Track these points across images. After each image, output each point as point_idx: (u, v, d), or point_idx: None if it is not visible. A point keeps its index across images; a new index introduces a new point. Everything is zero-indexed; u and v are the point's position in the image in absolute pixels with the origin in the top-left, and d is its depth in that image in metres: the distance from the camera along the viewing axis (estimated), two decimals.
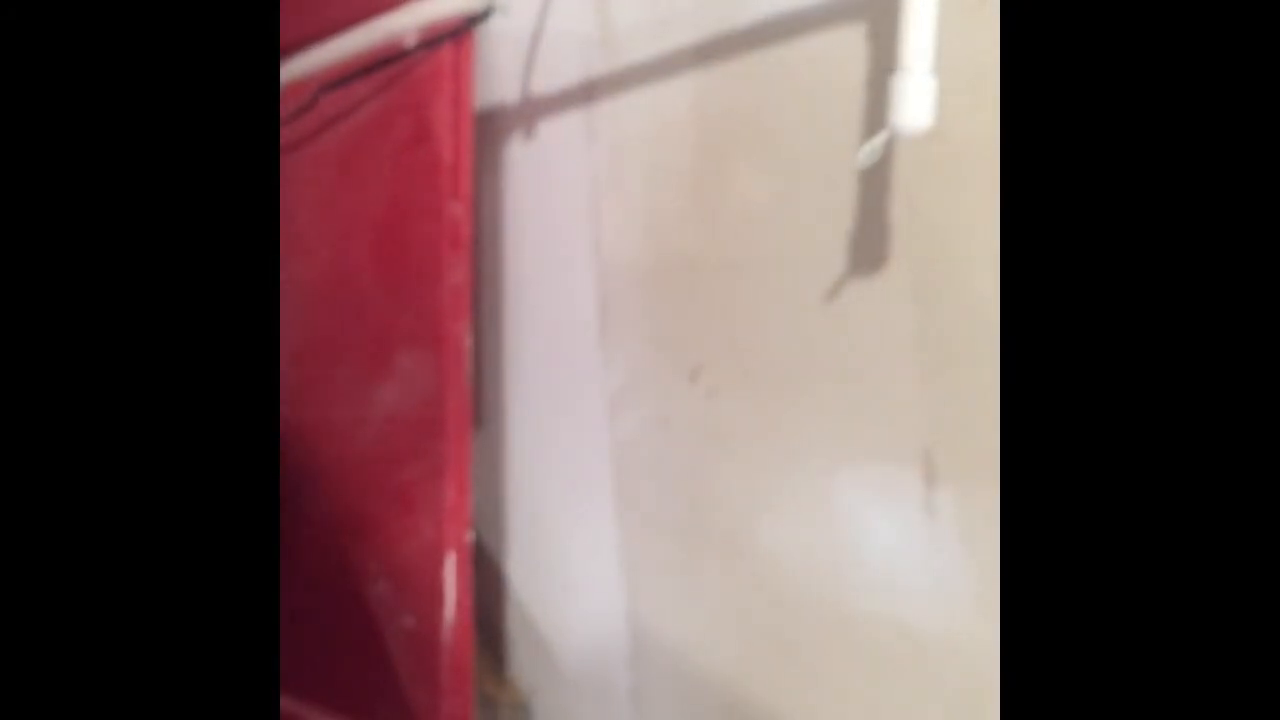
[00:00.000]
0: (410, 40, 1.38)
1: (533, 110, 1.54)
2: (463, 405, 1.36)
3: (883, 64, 1.05)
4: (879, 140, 0.98)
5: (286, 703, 1.52)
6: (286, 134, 1.61)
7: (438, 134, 1.37)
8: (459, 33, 1.34)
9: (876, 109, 1.07)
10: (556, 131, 1.52)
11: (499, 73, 1.55)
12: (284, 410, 1.58)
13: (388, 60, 1.41)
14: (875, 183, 1.08)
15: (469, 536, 1.37)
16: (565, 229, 1.52)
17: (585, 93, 1.46)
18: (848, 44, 1.10)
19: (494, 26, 1.39)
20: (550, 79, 1.51)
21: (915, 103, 0.92)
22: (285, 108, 1.59)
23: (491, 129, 1.57)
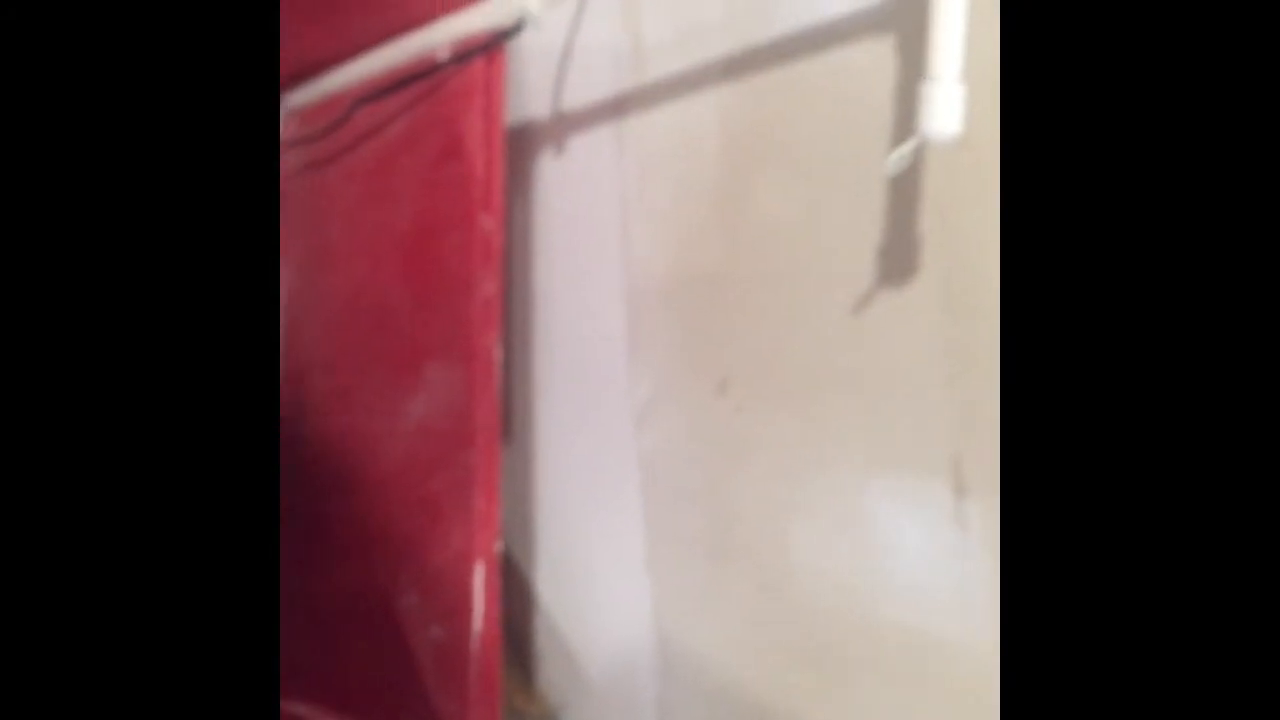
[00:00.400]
0: (443, 55, 1.39)
1: (563, 124, 1.55)
2: (492, 416, 1.37)
3: (909, 76, 1.06)
4: (908, 147, 0.98)
5: (313, 711, 1.53)
6: (322, 147, 1.63)
7: (469, 147, 1.38)
8: (490, 47, 1.36)
9: (903, 120, 1.07)
10: (586, 145, 1.53)
11: (530, 87, 1.56)
12: (316, 419, 1.60)
13: (421, 74, 1.43)
14: (903, 193, 1.08)
15: (497, 547, 1.37)
16: (594, 242, 1.53)
17: (615, 107, 1.47)
18: (873, 56, 1.10)
19: (525, 41, 1.41)
20: (580, 93, 1.53)
21: (945, 110, 0.92)
22: (321, 121, 1.61)
23: (522, 143, 1.58)
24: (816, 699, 1.23)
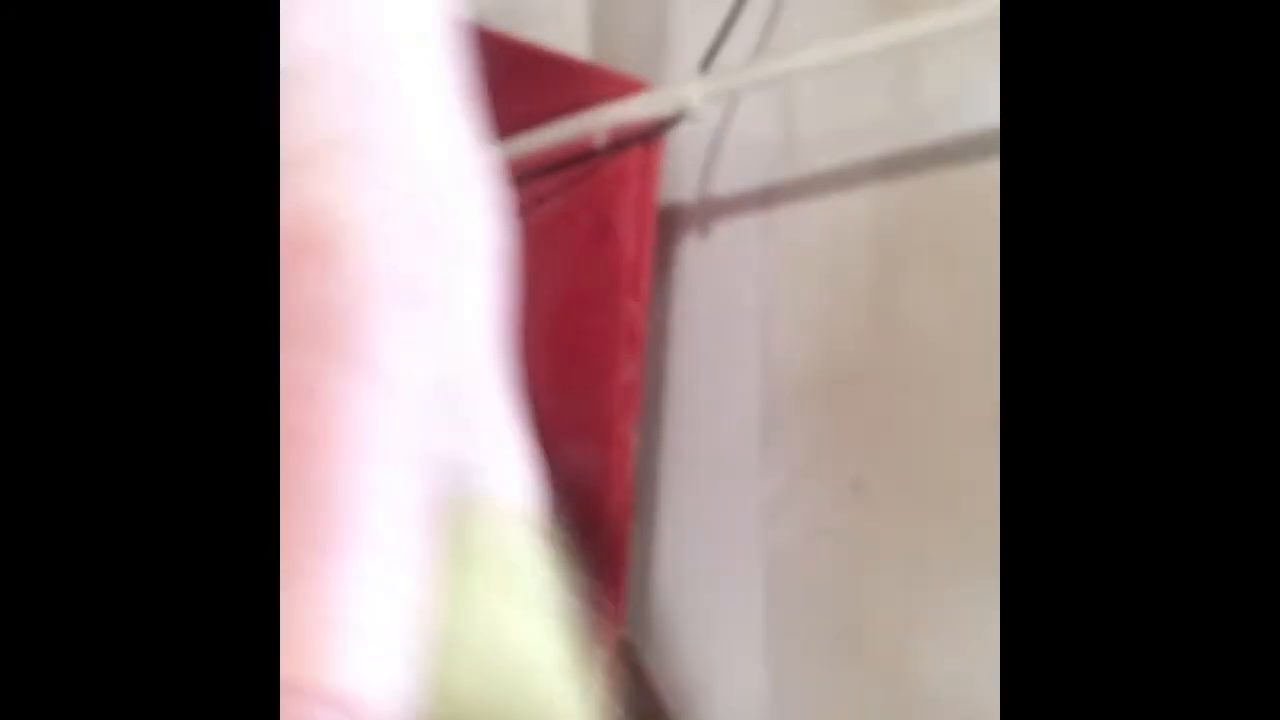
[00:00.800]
0: (600, 140, 1.41)
1: (710, 211, 1.56)
2: (625, 503, 1.37)
3: None
4: None
5: None
6: None
7: (621, 233, 1.40)
8: (649, 136, 1.37)
9: None
10: (732, 234, 1.54)
11: (679, 172, 1.57)
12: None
13: (578, 158, 1.45)
14: None
15: (622, 634, 1.37)
16: (734, 331, 1.53)
17: (764, 198, 1.48)
18: None
19: (679, 128, 1.42)
20: (730, 182, 1.53)
21: None
22: None
23: (667, 225, 1.59)
24: None
